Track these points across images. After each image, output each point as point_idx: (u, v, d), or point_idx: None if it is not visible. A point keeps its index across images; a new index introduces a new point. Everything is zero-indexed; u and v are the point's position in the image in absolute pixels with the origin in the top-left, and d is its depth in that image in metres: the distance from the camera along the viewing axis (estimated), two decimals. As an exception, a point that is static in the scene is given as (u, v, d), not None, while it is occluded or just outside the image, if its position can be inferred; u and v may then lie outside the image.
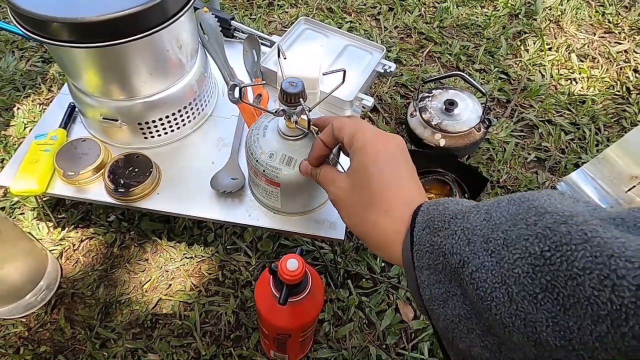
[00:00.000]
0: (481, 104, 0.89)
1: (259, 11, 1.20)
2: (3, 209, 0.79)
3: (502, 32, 1.17)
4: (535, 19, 1.22)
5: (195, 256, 0.76)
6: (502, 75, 1.08)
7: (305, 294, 0.48)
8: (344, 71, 0.55)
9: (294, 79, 0.50)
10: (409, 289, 0.35)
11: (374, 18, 1.21)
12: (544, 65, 1.10)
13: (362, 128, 0.42)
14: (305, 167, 0.51)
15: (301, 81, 0.50)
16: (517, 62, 1.11)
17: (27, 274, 0.67)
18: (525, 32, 1.18)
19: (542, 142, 0.95)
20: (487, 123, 0.85)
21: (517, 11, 1.23)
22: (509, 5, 1.25)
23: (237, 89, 0.68)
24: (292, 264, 0.45)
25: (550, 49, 1.14)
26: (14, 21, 0.54)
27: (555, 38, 1.18)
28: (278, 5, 1.22)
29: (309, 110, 0.52)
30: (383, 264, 0.77)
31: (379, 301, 0.73)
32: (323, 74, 0.60)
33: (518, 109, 1.01)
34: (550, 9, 1.24)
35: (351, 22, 1.18)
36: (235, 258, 0.76)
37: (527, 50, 1.13)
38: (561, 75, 1.08)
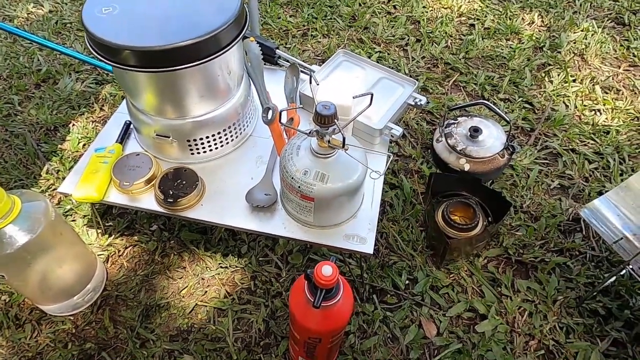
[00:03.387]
0: (505, 131, 0.93)
1: (294, 40, 1.28)
2: (57, 215, 0.87)
3: (526, 64, 1.21)
4: (560, 52, 1.25)
5: (229, 266, 0.81)
6: (527, 105, 1.12)
7: (337, 299, 0.52)
8: (372, 94, 0.60)
9: (327, 102, 0.56)
10: None
11: (402, 49, 1.27)
12: (568, 96, 1.13)
13: None
14: None
15: (334, 105, 0.56)
16: (541, 93, 1.14)
17: (79, 275, 0.73)
18: (550, 64, 1.22)
19: (566, 170, 0.98)
20: (510, 150, 0.89)
21: (542, 44, 1.28)
22: (534, 38, 1.30)
23: (270, 112, 0.75)
24: (326, 270, 0.49)
25: (574, 80, 1.18)
26: (89, 47, 0.62)
27: (580, 70, 1.21)
28: (311, 35, 1.30)
29: (340, 130, 0.57)
30: (407, 282, 0.80)
31: (402, 317, 0.75)
32: (353, 97, 0.66)
33: (542, 138, 1.04)
34: (574, 42, 1.28)
35: (380, 52, 1.25)
36: (266, 269, 0.80)
37: (551, 82, 1.17)
38: (585, 106, 1.11)
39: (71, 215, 0.88)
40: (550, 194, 0.94)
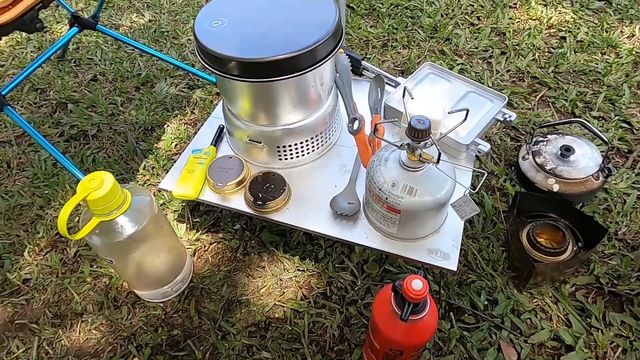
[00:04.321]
0: (601, 152, 0.87)
1: (374, 51, 1.30)
2: (152, 208, 0.94)
3: (625, 80, 1.13)
4: (665, 68, 1.15)
5: (306, 270, 0.83)
6: (624, 124, 1.04)
7: (424, 314, 0.52)
8: (467, 110, 0.60)
9: (421, 116, 0.56)
10: None
11: (485, 61, 1.24)
12: (674, 117, 1.04)
13: None
14: None
15: (428, 119, 0.56)
16: (642, 112, 1.06)
17: (171, 266, 0.79)
18: (652, 81, 1.13)
19: (669, 197, 0.90)
20: (606, 172, 0.83)
21: (643, 59, 1.18)
22: (634, 52, 1.20)
23: (356, 122, 0.76)
24: (417, 284, 0.49)
25: (681, 99, 1.08)
26: (198, 57, 0.68)
27: (688, 88, 1.10)
28: (392, 46, 1.31)
29: (435, 144, 0.57)
30: (486, 302, 0.77)
31: (480, 338, 0.73)
32: (448, 112, 0.65)
33: (641, 160, 0.96)
34: (682, 58, 1.17)
35: (462, 64, 1.22)
36: (342, 276, 0.82)
37: (653, 100, 1.08)
38: (694, 128, 1.01)
39: (164, 209, 0.95)
40: (650, 222, 0.87)
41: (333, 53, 0.67)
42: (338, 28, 0.67)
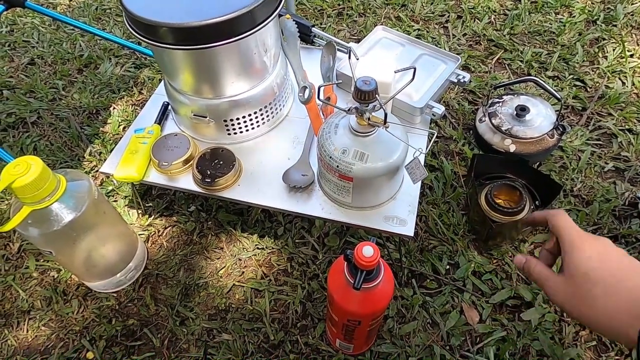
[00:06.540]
0: (555, 110, 0.87)
1: (329, 20, 1.25)
2: (100, 196, 0.89)
3: (578, 39, 1.13)
4: (616, 25, 1.16)
5: (266, 247, 0.80)
6: (578, 83, 1.04)
7: (378, 281, 0.50)
8: (414, 69, 0.57)
9: (367, 77, 0.53)
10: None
11: (442, 26, 1.22)
12: (625, 73, 1.05)
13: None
14: (519, 261, 0.49)
15: (374, 80, 0.53)
16: (594, 69, 1.07)
17: (121, 254, 0.74)
18: (604, 39, 1.13)
19: (622, 151, 0.91)
20: (561, 130, 0.83)
21: (595, 17, 1.19)
22: (586, 11, 1.21)
23: (306, 90, 0.73)
24: (367, 250, 0.47)
25: (632, 55, 1.09)
26: (128, 26, 0.62)
27: (638, 44, 1.12)
28: (347, 14, 1.27)
29: (382, 106, 0.54)
30: (448, 267, 0.77)
31: (443, 302, 0.73)
32: (395, 72, 0.63)
33: (595, 117, 0.97)
34: (632, 15, 1.19)
35: (419, 29, 1.20)
36: (303, 251, 0.79)
37: (605, 57, 1.09)
38: (644, 83, 1.03)
39: (113, 196, 0.90)
40: (604, 177, 0.88)
41: (274, 14, 0.63)
42: (278, -12, 0.63)
